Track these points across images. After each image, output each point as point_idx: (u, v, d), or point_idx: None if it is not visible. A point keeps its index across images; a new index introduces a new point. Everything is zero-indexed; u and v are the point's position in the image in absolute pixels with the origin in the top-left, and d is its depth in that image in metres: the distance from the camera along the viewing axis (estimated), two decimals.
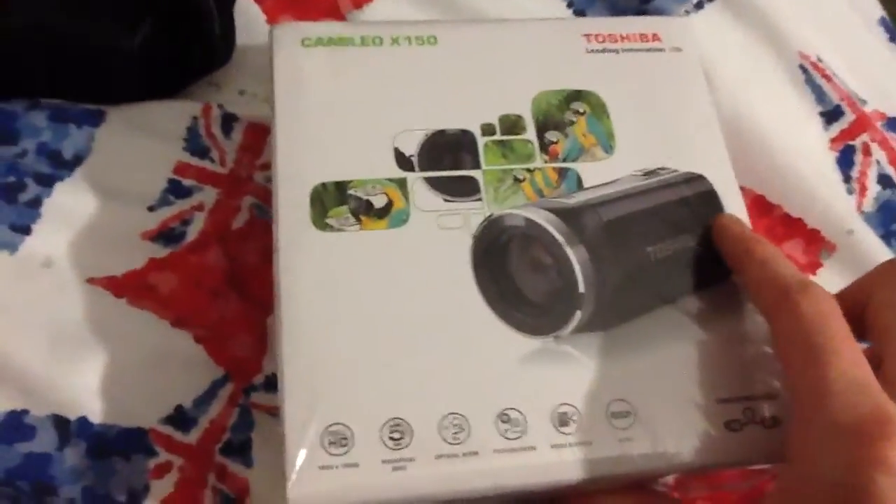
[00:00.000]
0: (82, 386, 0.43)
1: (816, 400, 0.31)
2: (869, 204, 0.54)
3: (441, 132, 0.42)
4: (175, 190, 0.49)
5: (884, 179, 0.54)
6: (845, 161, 0.54)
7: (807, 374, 0.32)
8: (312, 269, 0.38)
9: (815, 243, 0.52)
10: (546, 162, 0.42)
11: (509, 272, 0.39)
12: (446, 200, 0.40)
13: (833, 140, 0.55)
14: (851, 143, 0.55)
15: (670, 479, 0.42)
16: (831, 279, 0.51)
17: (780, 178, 0.53)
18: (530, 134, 0.43)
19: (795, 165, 0.53)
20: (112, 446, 0.42)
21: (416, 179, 0.40)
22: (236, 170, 0.51)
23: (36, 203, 0.47)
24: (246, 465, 0.44)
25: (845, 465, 0.30)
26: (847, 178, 0.54)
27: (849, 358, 0.32)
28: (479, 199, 0.40)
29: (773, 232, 0.52)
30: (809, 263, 0.51)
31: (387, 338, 0.37)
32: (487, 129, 0.42)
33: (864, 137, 0.55)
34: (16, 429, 0.42)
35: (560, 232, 0.38)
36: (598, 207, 0.40)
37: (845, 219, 0.52)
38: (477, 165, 0.41)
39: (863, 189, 0.54)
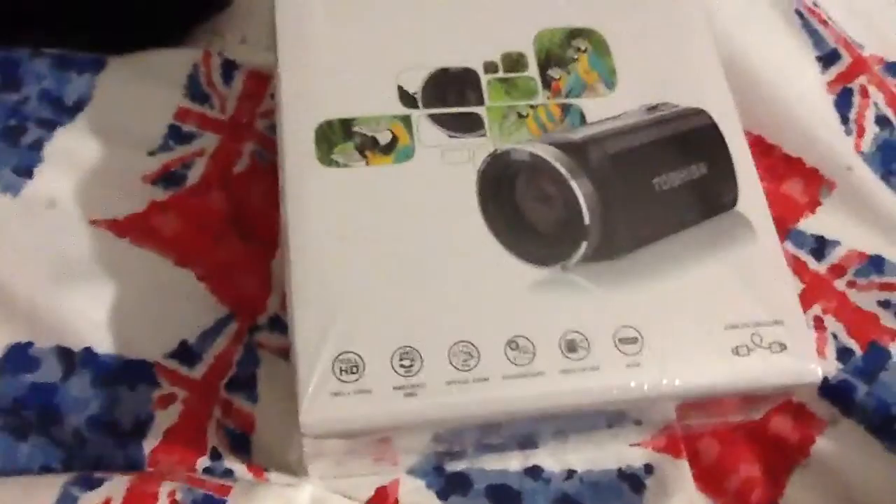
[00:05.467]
0: (86, 319, 0.43)
1: None
2: (867, 144, 0.54)
3: (444, 70, 0.42)
4: (176, 135, 0.49)
5: (882, 120, 0.55)
6: (843, 103, 0.55)
7: None
8: (319, 203, 0.38)
9: (815, 182, 0.52)
10: (549, 98, 0.42)
11: (515, 205, 0.39)
12: (451, 136, 0.40)
13: (830, 83, 0.55)
14: (849, 85, 0.55)
15: (673, 414, 0.42)
16: (833, 216, 0.51)
17: (779, 119, 0.53)
18: (532, 71, 0.43)
19: (793, 107, 0.53)
20: (117, 376, 0.43)
21: (420, 116, 0.40)
22: (237, 116, 0.51)
23: (37, 146, 0.47)
24: (251, 402, 0.44)
25: None
26: (845, 120, 0.54)
27: None
28: (484, 135, 0.40)
29: (773, 171, 0.52)
30: (809, 202, 0.52)
31: (395, 268, 0.37)
32: (490, 67, 0.42)
33: (862, 80, 0.55)
34: (21, 360, 0.42)
35: (564, 165, 0.38)
36: (602, 141, 0.40)
37: (844, 157, 0.52)
38: (481, 102, 0.41)
39: (861, 130, 0.54)
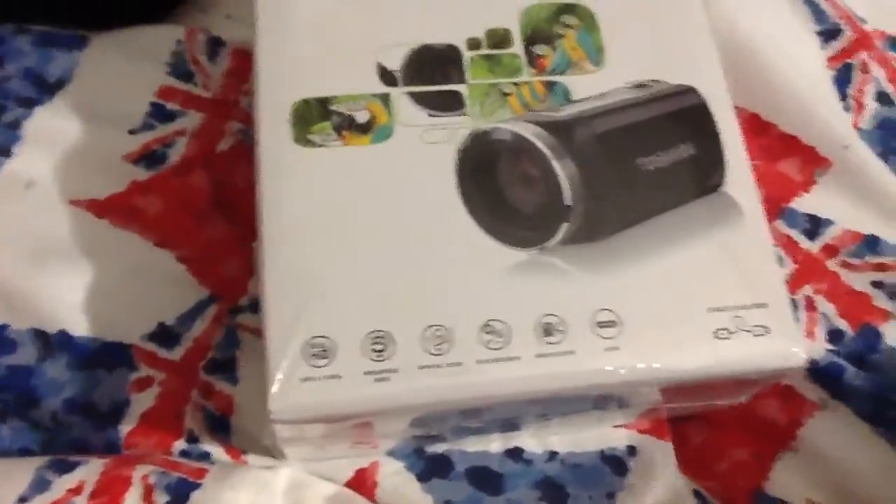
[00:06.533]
0: (63, 301, 0.43)
1: None
2: (866, 121, 0.53)
3: (426, 46, 0.41)
4: (158, 114, 0.48)
5: (882, 97, 0.53)
6: (843, 79, 0.53)
7: None
8: (295, 184, 0.37)
9: (811, 161, 0.51)
10: (533, 76, 0.41)
11: (496, 185, 0.38)
12: (431, 115, 0.39)
13: (831, 59, 0.54)
14: (850, 61, 0.54)
15: (658, 397, 0.42)
16: (828, 194, 0.50)
17: (776, 96, 0.52)
18: (517, 48, 0.42)
19: (791, 84, 0.52)
20: (93, 359, 0.42)
21: (399, 94, 0.40)
22: (222, 94, 0.50)
23: (16, 125, 0.46)
24: (231, 383, 0.44)
25: None
26: (844, 96, 0.53)
27: None
28: (464, 114, 0.39)
29: (769, 151, 0.51)
30: (804, 181, 0.51)
31: (369, 251, 0.36)
32: (473, 44, 0.41)
33: (863, 55, 0.54)
34: None
35: (547, 145, 0.37)
36: (586, 120, 0.39)
37: (842, 135, 0.51)
38: (462, 80, 0.40)
39: (860, 106, 0.53)
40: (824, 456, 0.45)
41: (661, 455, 0.44)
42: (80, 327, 0.43)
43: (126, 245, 0.45)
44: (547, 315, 0.35)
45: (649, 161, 0.39)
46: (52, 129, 0.47)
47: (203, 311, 0.44)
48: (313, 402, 0.34)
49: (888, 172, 0.50)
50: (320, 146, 0.38)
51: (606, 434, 0.45)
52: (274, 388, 0.34)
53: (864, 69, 0.54)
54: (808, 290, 0.48)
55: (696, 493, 0.45)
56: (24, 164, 0.46)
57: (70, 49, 0.49)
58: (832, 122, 0.51)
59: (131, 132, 0.47)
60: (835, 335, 0.47)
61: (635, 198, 0.38)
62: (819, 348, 0.46)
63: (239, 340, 0.44)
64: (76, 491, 0.39)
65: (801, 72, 0.53)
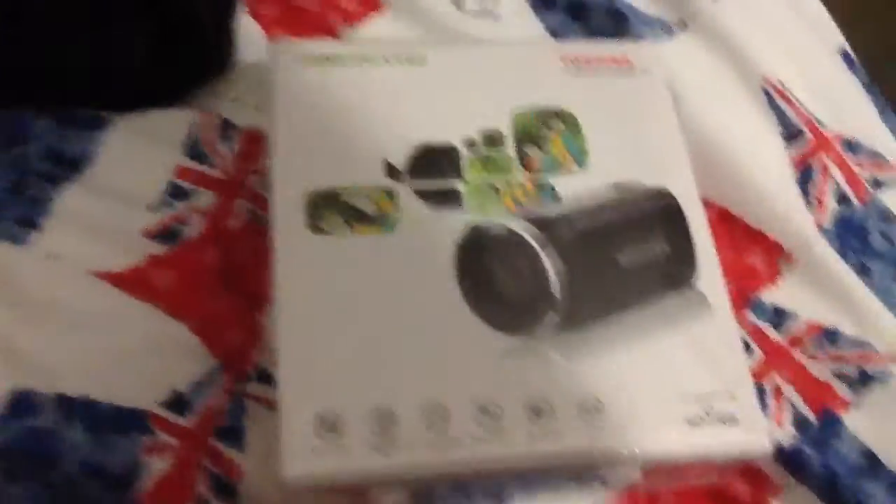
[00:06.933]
0: (84, 368, 0.45)
1: None
2: (827, 220, 0.57)
3: (428, 145, 0.45)
4: (175, 192, 0.51)
5: (841, 197, 0.58)
6: (805, 179, 0.58)
7: None
8: (307, 269, 0.41)
9: (776, 254, 0.55)
10: (524, 175, 0.45)
11: (490, 276, 0.42)
12: (432, 209, 0.43)
13: (794, 159, 0.58)
14: (810, 161, 0.58)
15: (638, 476, 0.45)
16: (793, 287, 0.54)
17: (744, 192, 0.56)
18: (510, 148, 0.46)
19: (758, 182, 0.56)
20: (111, 424, 0.45)
21: (403, 189, 0.43)
22: (233, 175, 0.53)
23: (44, 201, 0.49)
24: (239, 450, 0.46)
25: None
26: (807, 195, 0.57)
27: None
28: (462, 209, 0.43)
29: (735, 243, 0.55)
30: (770, 272, 0.54)
31: (375, 335, 0.40)
32: (470, 143, 0.46)
33: (823, 157, 0.59)
34: (23, 406, 0.44)
35: (537, 241, 0.41)
36: (571, 218, 0.43)
37: (805, 231, 0.55)
38: (460, 177, 0.44)
39: (821, 206, 0.57)
40: None
41: None
42: (98, 392, 0.45)
43: (143, 316, 0.47)
44: (537, 398, 0.39)
45: (628, 257, 0.43)
46: (76, 205, 0.49)
47: (214, 379, 0.47)
48: (323, 471, 0.37)
49: (847, 269, 0.55)
50: (331, 234, 0.42)
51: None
52: (287, 459, 0.37)
53: (824, 171, 0.58)
54: (775, 378, 0.51)
55: None
56: (50, 238, 0.48)
57: (91, 129, 0.52)
58: (796, 220, 0.55)
59: (151, 209, 0.50)
60: (800, 422, 0.50)
61: (615, 290, 0.42)
62: (785, 434, 0.49)
63: (246, 408, 0.47)
64: None
65: (766, 171, 0.57)
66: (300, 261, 0.41)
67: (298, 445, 0.37)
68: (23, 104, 0.52)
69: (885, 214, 0.59)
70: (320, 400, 0.38)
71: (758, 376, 0.50)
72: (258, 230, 0.51)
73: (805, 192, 0.58)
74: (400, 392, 0.38)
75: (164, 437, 0.45)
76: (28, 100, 0.52)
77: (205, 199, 0.52)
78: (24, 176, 0.50)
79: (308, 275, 0.41)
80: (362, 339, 0.39)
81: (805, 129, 0.59)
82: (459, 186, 0.44)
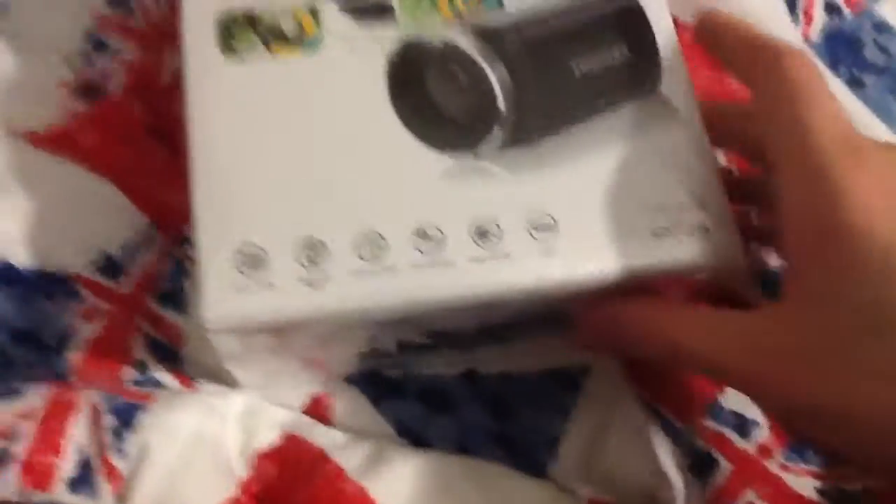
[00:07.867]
0: (6, 234, 0.42)
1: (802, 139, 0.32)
2: (815, 34, 0.52)
3: None
4: (95, 45, 0.48)
5: (829, 7, 0.53)
6: None
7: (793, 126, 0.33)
8: (223, 97, 0.37)
9: None
10: None
11: (427, 93, 0.38)
12: (360, 25, 0.39)
13: None
14: None
15: None
16: None
17: (727, 8, 0.51)
18: None
19: None
20: (38, 291, 0.42)
21: (327, 4, 0.39)
22: (160, 25, 0.49)
23: None
24: (180, 313, 0.43)
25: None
26: (792, 9, 0.52)
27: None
28: (395, 22, 0.39)
29: (715, 61, 0.50)
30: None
31: (301, 160, 0.36)
32: None
33: None
34: None
35: (479, 52, 0.37)
36: (519, 26, 0.38)
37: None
38: None
39: (809, 19, 0.52)
40: None
41: (615, 372, 0.44)
42: (22, 258, 0.42)
43: (66, 175, 0.44)
44: (481, 219, 0.35)
45: (582, 64, 0.38)
46: None
47: (148, 240, 0.44)
48: (247, 311, 0.33)
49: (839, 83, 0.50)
50: (248, 58, 0.38)
51: (561, 354, 0.45)
52: (207, 300, 0.33)
53: None
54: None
55: (653, 410, 0.44)
56: None
57: None
58: (781, 36, 0.50)
59: (69, 63, 0.47)
60: None
61: (567, 100, 0.38)
62: None
63: (187, 270, 0.44)
64: (23, 416, 0.38)
65: None
66: (214, 88, 0.37)
67: (218, 285, 0.33)
68: None
69: (880, 26, 0.54)
70: (241, 233, 0.34)
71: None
72: None
73: (791, 5, 0.53)
74: (331, 221, 0.35)
75: (94, 301, 0.42)
76: None
77: (129, 51, 0.48)
78: None
79: (223, 103, 0.37)
80: (287, 167, 0.36)
81: None
82: None
